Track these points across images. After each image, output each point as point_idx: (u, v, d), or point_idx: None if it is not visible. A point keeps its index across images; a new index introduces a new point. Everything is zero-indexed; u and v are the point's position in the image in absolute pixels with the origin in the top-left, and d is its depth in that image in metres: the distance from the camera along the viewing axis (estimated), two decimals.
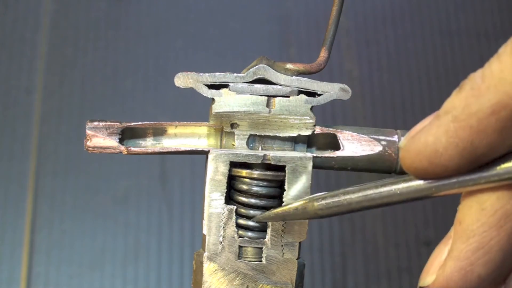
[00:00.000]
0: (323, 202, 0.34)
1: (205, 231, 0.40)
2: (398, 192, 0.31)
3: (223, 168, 0.40)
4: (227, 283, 0.40)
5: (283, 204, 0.39)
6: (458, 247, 0.30)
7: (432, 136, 0.28)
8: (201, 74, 0.41)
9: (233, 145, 0.42)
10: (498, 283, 0.31)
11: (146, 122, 0.42)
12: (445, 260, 0.30)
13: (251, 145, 0.42)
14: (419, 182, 0.30)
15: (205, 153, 0.41)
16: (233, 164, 0.40)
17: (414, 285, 1.01)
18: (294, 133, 0.41)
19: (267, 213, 0.39)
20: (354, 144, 0.42)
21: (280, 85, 0.41)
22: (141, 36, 1.13)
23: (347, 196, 0.33)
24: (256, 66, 0.41)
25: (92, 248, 0.99)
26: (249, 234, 0.40)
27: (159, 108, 1.08)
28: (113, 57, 1.11)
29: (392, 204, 0.32)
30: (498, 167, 0.29)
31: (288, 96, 0.41)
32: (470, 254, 0.29)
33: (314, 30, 1.16)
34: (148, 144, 0.42)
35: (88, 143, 0.41)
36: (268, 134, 0.41)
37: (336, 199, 0.33)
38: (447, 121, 0.28)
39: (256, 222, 0.40)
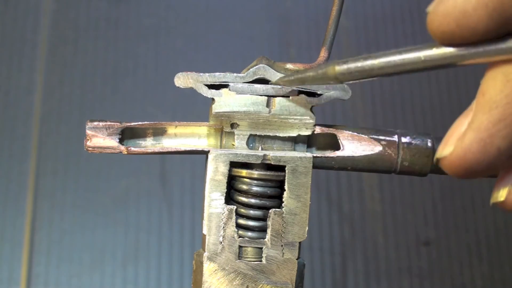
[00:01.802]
0: (345, 66, 0.32)
1: (205, 231, 0.40)
2: (422, 58, 0.30)
3: (223, 168, 0.40)
4: (227, 283, 0.40)
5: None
6: (479, 118, 0.29)
7: None
8: (201, 74, 0.41)
9: (233, 145, 0.42)
10: None
11: (146, 122, 0.42)
12: (465, 131, 0.29)
13: (251, 145, 0.42)
14: (445, 49, 0.29)
15: (205, 153, 0.41)
16: (233, 164, 0.40)
17: (414, 285, 1.01)
18: (294, 133, 0.41)
19: (286, 76, 0.38)
20: (354, 144, 0.42)
21: (280, 85, 0.41)
22: (141, 36, 1.13)
23: (369, 62, 0.32)
24: (256, 66, 0.41)
25: (92, 248, 0.99)
26: (249, 234, 0.40)
27: (159, 108, 1.08)
28: (113, 57, 1.11)
29: (415, 71, 0.31)
30: None
31: (288, 96, 0.41)
32: (491, 125, 0.29)
33: (314, 30, 1.16)
34: (148, 144, 0.42)
35: (88, 143, 0.41)
36: (268, 134, 0.41)
37: (358, 64, 0.32)
38: None
39: (274, 84, 0.39)
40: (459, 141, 0.30)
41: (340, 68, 0.33)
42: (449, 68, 0.30)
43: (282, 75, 0.41)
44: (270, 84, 0.40)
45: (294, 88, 0.41)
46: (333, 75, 0.33)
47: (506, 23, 0.28)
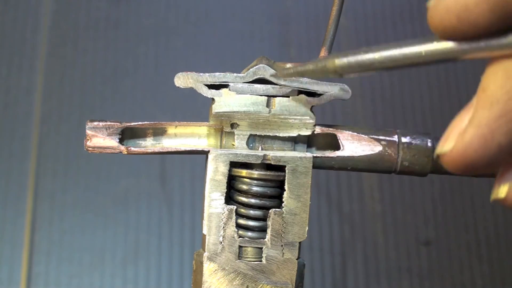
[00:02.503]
0: (344, 59, 0.32)
1: (205, 231, 0.40)
2: (423, 53, 0.30)
3: (223, 168, 0.40)
4: (227, 283, 0.40)
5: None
6: (480, 114, 0.29)
7: None
8: (201, 74, 0.41)
9: (233, 145, 0.42)
10: None
11: (146, 122, 0.42)
12: (466, 127, 0.29)
13: (251, 145, 0.42)
14: (446, 43, 0.29)
15: (205, 153, 0.41)
16: (233, 164, 0.40)
17: (414, 285, 1.01)
18: (294, 133, 0.41)
19: (286, 69, 0.37)
20: (354, 144, 0.42)
21: (280, 85, 0.41)
22: (141, 36, 1.13)
23: (370, 55, 0.31)
24: (256, 66, 0.41)
25: (92, 248, 0.99)
26: (249, 234, 0.40)
27: (159, 108, 1.08)
28: (113, 57, 1.11)
29: (416, 65, 0.31)
30: None
31: (288, 96, 0.41)
32: (492, 121, 0.28)
33: (314, 30, 1.16)
34: (148, 144, 0.42)
35: (88, 143, 0.41)
36: (268, 134, 0.41)
37: (358, 57, 0.32)
38: None
39: (274, 76, 0.39)
40: (459, 137, 0.29)
41: (340, 61, 0.32)
42: (450, 62, 0.30)
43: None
44: (270, 75, 0.40)
45: (294, 88, 0.41)
46: (332, 68, 0.33)
47: (508, 17, 0.28)
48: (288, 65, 0.41)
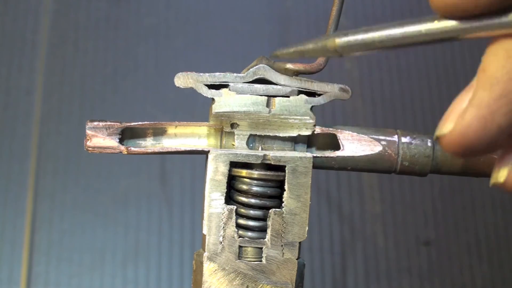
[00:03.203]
0: (344, 38, 0.32)
1: (205, 231, 0.40)
2: (423, 32, 0.30)
3: (223, 168, 0.40)
4: (227, 283, 0.40)
5: None
6: (480, 95, 0.28)
7: None
8: (201, 74, 0.41)
9: (233, 145, 0.42)
10: None
11: (146, 122, 0.42)
12: (465, 108, 0.29)
13: (251, 145, 0.42)
14: (447, 22, 0.29)
15: (205, 153, 0.41)
16: (233, 164, 0.40)
17: (414, 285, 1.01)
18: (294, 133, 0.41)
19: (286, 48, 0.37)
20: (354, 144, 0.42)
21: (280, 85, 0.41)
22: (141, 36, 1.13)
23: (370, 34, 0.31)
24: (256, 66, 0.41)
25: (92, 248, 0.99)
26: (249, 234, 0.40)
27: (159, 108, 1.08)
28: (113, 57, 1.11)
29: (417, 44, 0.30)
30: None
31: (288, 96, 0.41)
32: (492, 102, 0.28)
33: (314, 30, 1.16)
34: (148, 144, 0.42)
35: (88, 143, 0.41)
36: (268, 134, 0.41)
37: (358, 36, 0.31)
38: None
39: (274, 56, 0.38)
40: (459, 118, 0.29)
41: (340, 40, 0.32)
42: (450, 42, 0.30)
43: (282, 75, 0.41)
44: (271, 56, 0.39)
45: (294, 88, 0.41)
46: (332, 47, 0.32)
47: None
48: (288, 65, 0.41)
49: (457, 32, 0.29)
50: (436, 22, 0.29)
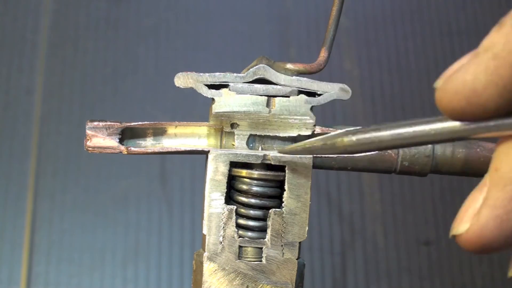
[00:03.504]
0: (353, 138, 0.32)
1: (205, 231, 0.40)
2: (432, 132, 0.30)
3: (223, 168, 0.40)
4: (227, 283, 0.40)
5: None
6: (494, 195, 0.28)
7: (471, 75, 0.27)
8: (201, 74, 0.41)
9: (233, 145, 0.42)
10: None
11: (146, 122, 0.42)
12: (480, 208, 0.29)
13: (251, 145, 0.42)
14: (455, 123, 0.29)
15: (205, 153, 0.41)
16: (233, 164, 0.40)
17: (414, 285, 1.01)
18: (294, 133, 0.41)
19: (294, 145, 0.37)
20: None
21: (280, 85, 0.41)
22: (141, 36, 1.13)
23: (379, 133, 0.31)
24: (256, 66, 0.41)
25: (92, 248, 0.99)
26: (249, 234, 0.40)
27: (159, 108, 1.08)
28: (113, 57, 1.11)
29: (425, 144, 0.31)
30: None
31: (288, 96, 0.41)
32: (507, 202, 0.28)
33: (314, 30, 1.16)
34: (148, 144, 0.42)
35: (88, 143, 0.41)
36: (268, 134, 0.41)
37: (367, 135, 0.31)
38: (487, 59, 0.27)
39: (281, 153, 0.39)
40: (475, 218, 0.29)
41: (349, 140, 0.32)
42: (460, 140, 0.30)
43: (282, 75, 0.41)
44: (279, 153, 0.39)
45: (294, 88, 0.41)
46: (341, 146, 0.33)
47: None
48: (288, 65, 0.41)
49: (466, 133, 0.29)
50: (445, 123, 0.29)
